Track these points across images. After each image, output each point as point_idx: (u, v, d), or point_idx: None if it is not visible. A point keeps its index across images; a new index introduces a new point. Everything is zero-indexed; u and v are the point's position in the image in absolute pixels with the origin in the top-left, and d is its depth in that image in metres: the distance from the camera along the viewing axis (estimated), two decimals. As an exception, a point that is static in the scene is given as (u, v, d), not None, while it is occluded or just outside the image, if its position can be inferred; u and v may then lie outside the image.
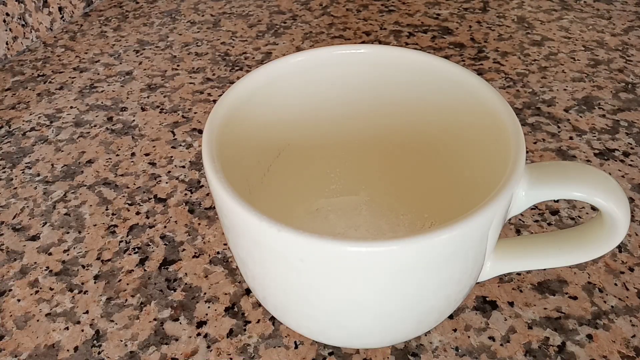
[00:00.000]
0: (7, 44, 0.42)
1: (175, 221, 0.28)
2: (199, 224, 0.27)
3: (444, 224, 0.15)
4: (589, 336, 0.22)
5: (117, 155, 0.32)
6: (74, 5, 0.48)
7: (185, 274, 0.25)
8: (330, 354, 0.21)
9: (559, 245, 0.20)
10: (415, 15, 0.46)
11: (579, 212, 0.27)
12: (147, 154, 0.32)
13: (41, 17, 0.44)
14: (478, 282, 0.24)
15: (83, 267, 0.25)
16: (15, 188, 0.30)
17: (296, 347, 0.22)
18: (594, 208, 0.28)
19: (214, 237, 0.27)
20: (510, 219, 0.27)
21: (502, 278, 0.24)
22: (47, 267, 0.26)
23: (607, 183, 0.18)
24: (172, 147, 0.33)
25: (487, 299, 0.23)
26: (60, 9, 0.46)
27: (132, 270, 0.25)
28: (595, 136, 0.32)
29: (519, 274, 0.24)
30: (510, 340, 0.22)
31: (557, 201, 0.28)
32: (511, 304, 0.23)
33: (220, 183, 0.17)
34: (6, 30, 0.42)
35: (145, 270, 0.25)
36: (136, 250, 0.26)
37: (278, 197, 0.25)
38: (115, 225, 0.28)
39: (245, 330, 0.22)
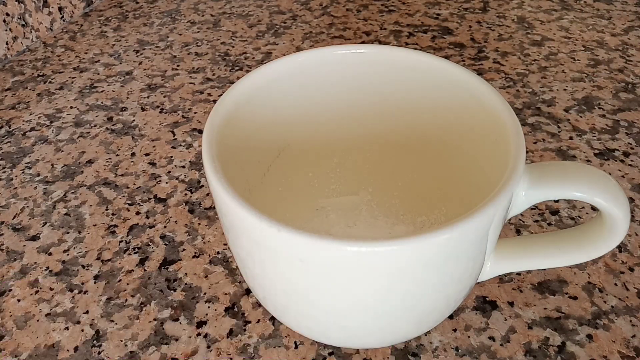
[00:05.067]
0: (7, 44, 0.42)
1: (175, 221, 0.28)
2: (199, 224, 0.27)
3: (444, 224, 0.15)
4: (589, 336, 0.22)
5: (117, 155, 0.32)
6: (74, 5, 0.48)
7: (185, 274, 0.25)
8: (330, 354, 0.21)
9: (559, 245, 0.20)
10: (415, 15, 0.46)
11: (579, 212, 0.27)
12: (147, 154, 0.32)
13: (41, 17, 0.44)
14: (478, 282, 0.24)
15: (83, 267, 0.25)
16: (15, 188, 0.30)
17: (296, 347, 0.22)
18: (594, 208, 0.28)
19: (214, 237, 0.27)
20: (510, 219, 0.27)
21: (502, 278, 0.24)
22: (47, 267, 0.26)
23: (607, 183, 0.18)
24: (172, 147, 0.33)
25: (487, 299, 0.23)
26: (60, 9, 0.46)
27: (132, 270, 0.25)
28: (595, 136, 0.32)
29: (519, 274, 0.24)
30: (510, 340, 0.22)
31: (557, 201, 0.28)
32: (511, 304, 0.23)
33: (220, 183, 0.17)
34: (6, 30, 0.42)
35: (145, 270, 0.25)
36: (136, 250, 0.26)
37: (278, 197, 0.25)
38: (115, 225, 0.28)
39: (245, 330, 0.22)
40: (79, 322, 0.23)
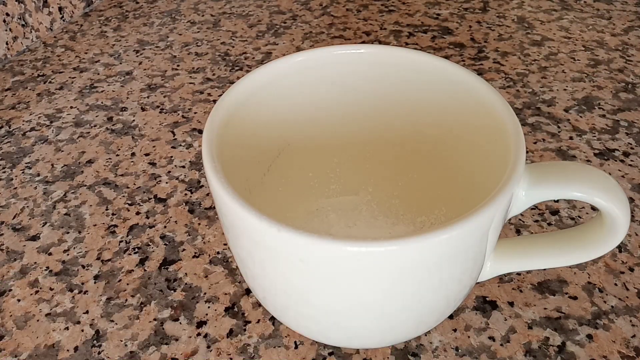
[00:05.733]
0: (7, 44, 0.42)
1: (175, 221, 0.28)
2: (199, 224, 0.27)
3: (444, 224, 0.15)
4: (589, 336, 0.22)
5: (117, 155, 0.32)
6: (74, 5, 0.48)
7: (185, 274, 0.25)
8: (330, 354, 0.21)
9: (559, 245, 0.20)
10: (415, 15, 0.46)
11: (579, 212, 0.27)
12: (147, 154, 0.32)
13: (41, 17, 0.44)
14: (478, 282, 0.24)
15: (83, 267, 0.25)
16: (15, 188, 0.30)
17: (296, 347, 0.22)
18: (594, 208, 0.28)
19: (214, 237, 0.27)
20: (510, 219, 0.27)
21: (502, 278, 0.24)
22: (47, 267, 0.26)
23: (607, 183, 0.18)
24: (172, 147, 0.33)
25: (487, 299, 0.23)
26: (60, 9, 0.46)
27: (132, 270, 0.25)
28: (595, 136, 0.32)
29: (519, 274, 0.24)
30: (510, 340, 0.22)
31: (557, 201, 0.28)
32: (511, 304, 0.23)
33: (220, 183, 0.17)
34: (6, 30, 0.42)
35: (145, 270, 0.25)
36: (136, 250, 0.26)
37: (278, 197, 0.25)
38: (115, 225, 0.28)
39: (245, 330, 0.22)
40: (79, 322, 0.23)
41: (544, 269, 0.24)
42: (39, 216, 0.28)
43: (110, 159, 0.32)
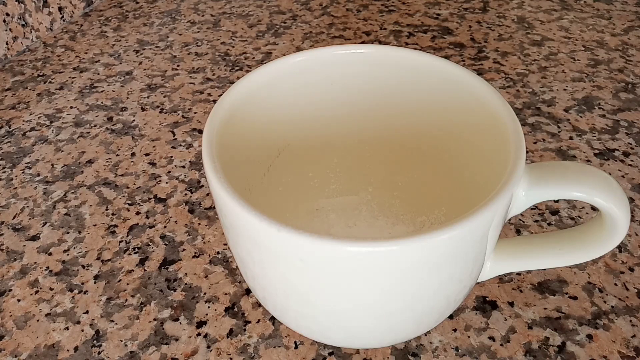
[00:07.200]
0: (7, 44, 0.42)
1: (175, 221, 0.28)
2: (199, 224, 0.27)
3: (444, 224, 0.15)
4: (589, 336, 0.22)
5: (117, 155, 0.32)
6: (74, 5, 0.48)
7: (185, 274, 0.25)
8: (330, 354, 0.21)
9: (559, 245, 0.20)
10: (415, 15, 0.46)
11: (579, 212, 0.27)
12: (147, 154, 0.32)
13: (41, 17, 0.44)
14: (478, 282, 0.24)
15: (83, 267, 0.25)
16: (15, 188, 0.30)
17: (296, 347, 0.22)
18: (594, 208, 0.28)
19: (214, 237, 0.27)
20: (510, 219, 0.27)
21: (502, 278, 0.24)
22: (47, 267, 0.26)
23: (607, 183, 0.18)
24: (172, 147, 0.33)
25: (487, 299, 0.23)
26: (60, 9, 0.46)
27: (132, 270, 0.25)
28: (595, 136, 0.32)
29: (519, 274, 0.24)
30: (510, 340, 0.22)
31: (557, 201, 0.28)
32: (511, 304, 0.23)
33: (220, 183, 0.17)
34: (6, 30, 0.42)
35: (145, 270, 0.25)
36: (136, 250, 0.26)
37: (278, 197, 0.25)
38: (115, 225, 0.28)
39: (245, 330, 0.22)
40: (79, 322, 0.23)
41: (544, 269, 0.24)
42: (39, 216, 0.28)
43: (110, 159, 0.32)
